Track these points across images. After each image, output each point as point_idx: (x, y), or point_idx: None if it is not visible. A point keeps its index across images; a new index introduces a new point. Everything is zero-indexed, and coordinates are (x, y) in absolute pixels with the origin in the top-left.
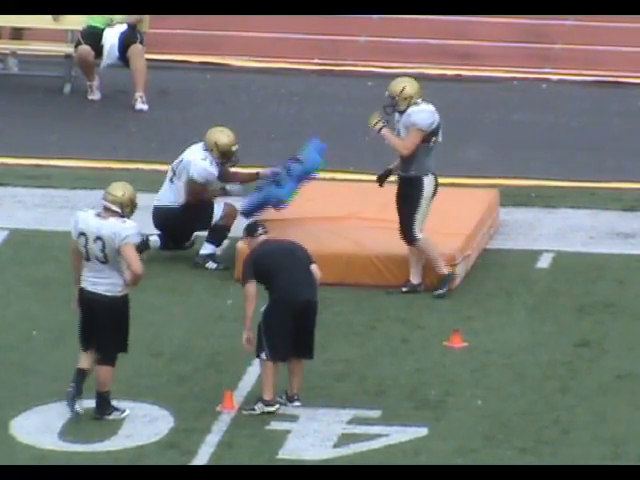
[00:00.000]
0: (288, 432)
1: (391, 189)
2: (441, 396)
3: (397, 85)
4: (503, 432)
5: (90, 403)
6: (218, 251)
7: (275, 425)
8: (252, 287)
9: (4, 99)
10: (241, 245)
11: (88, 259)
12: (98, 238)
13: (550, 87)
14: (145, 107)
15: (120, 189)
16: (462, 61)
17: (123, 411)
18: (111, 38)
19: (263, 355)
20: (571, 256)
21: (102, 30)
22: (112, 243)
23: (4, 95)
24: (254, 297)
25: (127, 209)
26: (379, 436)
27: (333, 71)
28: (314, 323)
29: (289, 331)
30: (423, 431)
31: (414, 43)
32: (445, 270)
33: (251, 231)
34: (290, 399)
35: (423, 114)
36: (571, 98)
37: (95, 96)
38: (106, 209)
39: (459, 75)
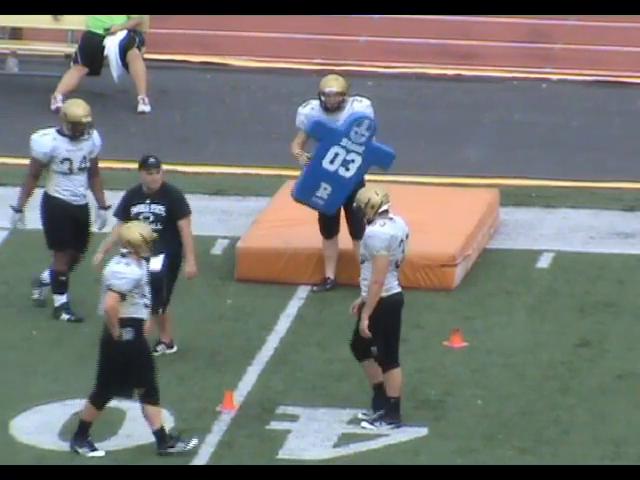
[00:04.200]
0: (288, 432)
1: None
2: (441, 396)
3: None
4: (503, 432)
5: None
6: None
7: (275, 425)
8: None
9: (4, 99)
10: (241, 245)
11: (398, 265)
12: (402, 241)
13: (550, 87)
14: (147, 109)
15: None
16: (462, 61)
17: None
18: (113, 49)
19: None
20: (571, 256)
21: (102, 38)
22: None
23: (4, 95)
24: None
25: None
26: (379, 436)
27: (333, 71)
28: None
29: None
30: (423, 431)
31: (414, 43)
32: None
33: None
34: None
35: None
36: (571, 98)
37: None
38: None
39: (459, 75)
